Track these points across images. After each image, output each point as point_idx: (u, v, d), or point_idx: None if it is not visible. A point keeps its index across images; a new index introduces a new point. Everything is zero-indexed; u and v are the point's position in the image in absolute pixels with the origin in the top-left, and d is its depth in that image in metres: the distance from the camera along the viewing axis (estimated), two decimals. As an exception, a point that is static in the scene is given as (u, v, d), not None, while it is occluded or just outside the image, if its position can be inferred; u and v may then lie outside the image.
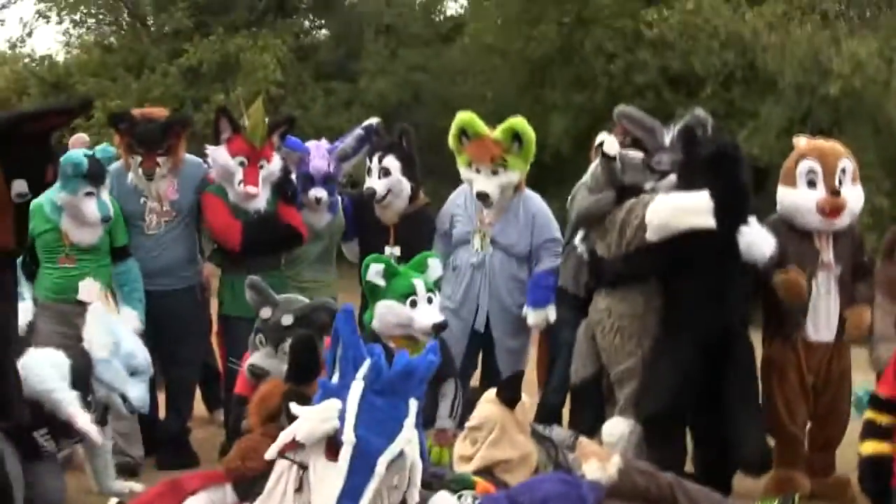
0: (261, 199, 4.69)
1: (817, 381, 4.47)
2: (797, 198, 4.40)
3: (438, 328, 4.09)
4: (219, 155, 4.64)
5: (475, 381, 4.91)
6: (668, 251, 4.19)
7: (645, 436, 4.25)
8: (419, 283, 4.08)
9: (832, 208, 4.36)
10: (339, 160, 4.99)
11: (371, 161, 4.89)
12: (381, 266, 4.08)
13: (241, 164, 4.61)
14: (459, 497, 3.20)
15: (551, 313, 4.67)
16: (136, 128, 4.54)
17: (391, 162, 4.82)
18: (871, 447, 3.91)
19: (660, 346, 4.30)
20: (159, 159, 4.53)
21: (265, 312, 4.15)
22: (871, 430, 3.94)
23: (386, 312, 4.05)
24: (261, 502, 3.11)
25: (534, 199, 4.85)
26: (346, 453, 2.79)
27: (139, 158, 4.53)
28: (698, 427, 4.43)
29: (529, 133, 4.66)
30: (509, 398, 3.80)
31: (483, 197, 4.63)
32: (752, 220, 4.25)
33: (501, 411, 3.78)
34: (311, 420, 2.87)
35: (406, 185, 4.85)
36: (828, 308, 4.42)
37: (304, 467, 3.01)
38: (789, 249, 4.33)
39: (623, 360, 4.35)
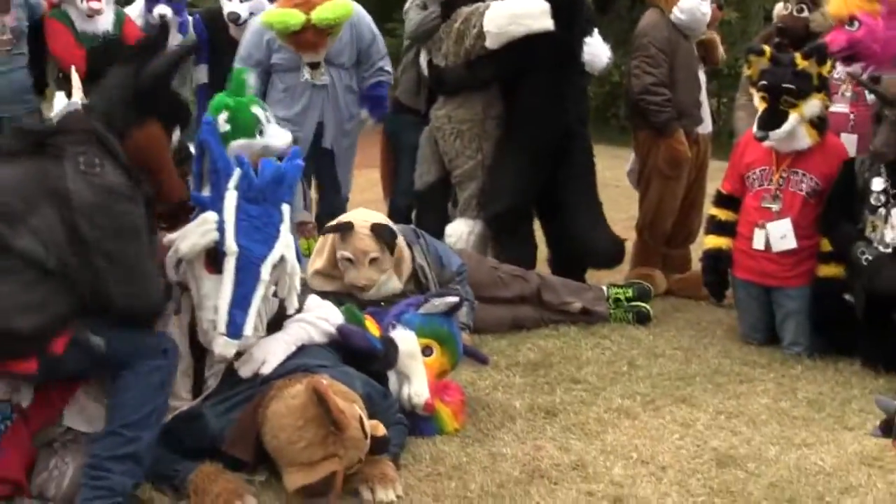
0: (106, 18, 4.58)
1: (695, 172, 4.76)
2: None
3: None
4: None
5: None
6: (509, 57, 4.30)
7: (494, 235, 4.49)
8: (258, 111, 3.90)
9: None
10: (184, -23, 4.90)
11: None
12: (224, 114, 3.82)
13: None
14: (341, 304, 3.21)
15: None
16: None
17: None
18: (712, 241, 4.18)
19: (501, 148, 4.45)
20: None
21: None
22: (712, 226, 4.20)
23: (241, 151, 3.78)
24: None
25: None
26: (230, 264, 2.75)
27: None
28: (548, 227, 4.66)
29: None
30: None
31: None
32: (595, 32, 4.50)
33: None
34: (191, 234, 2.80)
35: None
36: (706, 101, 4.83)
37: (183, 288, 2.95)
38: (679, 53, 4.57)
39: (464, 163, 4.52)
